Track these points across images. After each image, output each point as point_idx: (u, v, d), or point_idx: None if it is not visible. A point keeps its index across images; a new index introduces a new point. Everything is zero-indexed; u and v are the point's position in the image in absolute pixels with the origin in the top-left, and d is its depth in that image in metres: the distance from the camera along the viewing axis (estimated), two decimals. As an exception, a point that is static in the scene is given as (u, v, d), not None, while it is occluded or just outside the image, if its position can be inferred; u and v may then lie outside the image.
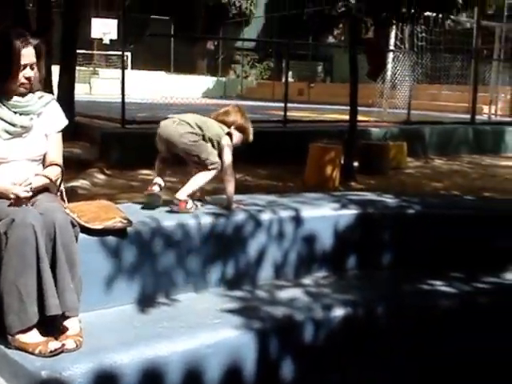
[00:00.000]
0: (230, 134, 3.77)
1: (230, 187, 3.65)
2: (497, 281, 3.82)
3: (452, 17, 7.82)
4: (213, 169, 3.62)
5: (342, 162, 7.99)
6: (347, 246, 3.82)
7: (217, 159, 3.65)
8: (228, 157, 3.68)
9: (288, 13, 23.45)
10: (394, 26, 11.03)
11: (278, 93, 19.66)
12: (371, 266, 3.88)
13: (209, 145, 3.67)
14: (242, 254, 3.47)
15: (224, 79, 29.47)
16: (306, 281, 3.61)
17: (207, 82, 28.39)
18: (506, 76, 17.64)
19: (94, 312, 2.88)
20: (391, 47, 13.23)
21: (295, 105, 14.80)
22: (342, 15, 7.06)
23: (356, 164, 8.63)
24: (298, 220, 3.62)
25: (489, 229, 3.97)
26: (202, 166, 3.64)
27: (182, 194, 3.57)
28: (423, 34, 13.78)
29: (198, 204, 3.67)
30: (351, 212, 3.82)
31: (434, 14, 8.01)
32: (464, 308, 3.55)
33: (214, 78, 28.95)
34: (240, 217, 3.48)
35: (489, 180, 9.17)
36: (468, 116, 13.38)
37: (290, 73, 28.49)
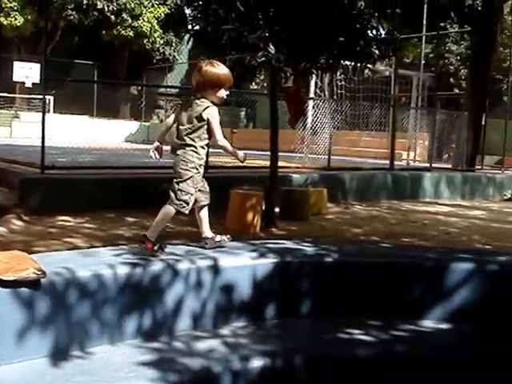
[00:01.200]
0: (212, 103, 3.81)
1: (230, 148, 3.90)
2: (413, 328, 3.86)
3: (369, 66, 8.02)
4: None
5: (264, 208, 8.04)
6: (266, 295, 3.79)
7: (185, 198, 3.71)
8: (217, 132, 3.78)
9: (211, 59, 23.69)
10: (314, 75, 11.26)
11: (202, 138, 19.75)
12: (291, 314, 3.87)
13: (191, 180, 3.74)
14: (159, 305, 3.40)
15: (147, 124, 29.46)
16: (225, 331, 3.56)
17: (130, 126, 28.35)
18: (424, 123, 18.30)
19: (5, 366, 2.79)
20: (311, 95, 13.57)
21: (218, 150, 14.91)
22: (261, 64, 7.16)
23: (277, 210, 8.69)
24: (216, 269, 3.58)
25: (404, 276, 4.02)
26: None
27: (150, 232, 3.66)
28: (342, 83, 14.23)
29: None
30: (269, 260, 3.81)
31: (353, 63, 8.23)
32: (381, 356, 3.57)
33: (138, 123, 28.94)
34: (157, 267, 3.42)
35: (408, 225, 9.40)
36: (387, 162, 13.75)
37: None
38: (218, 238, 3.94)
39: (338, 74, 8.71)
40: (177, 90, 31.66)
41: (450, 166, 16.46)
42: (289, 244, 4.33)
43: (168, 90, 31.98)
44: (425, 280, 4.05)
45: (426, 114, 18.35)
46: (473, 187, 14.56)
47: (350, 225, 8.94)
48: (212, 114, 3.79)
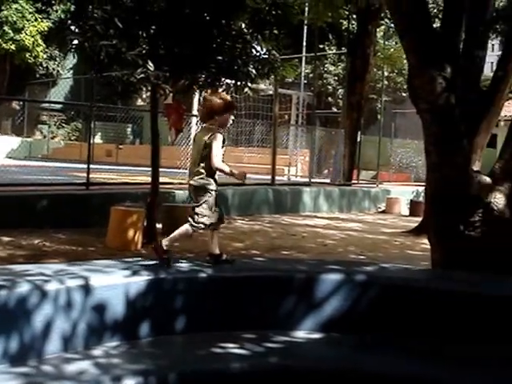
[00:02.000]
0: (214, 131, 4.08)
1: (227, 169, 4.09)
2: (286, 339, 3.95)
3: (249, 85, 8.18)
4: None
5: (145, 224, 7.98)
6: (140, 313, 3.77)
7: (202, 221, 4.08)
8: (213, 156, 4.02)
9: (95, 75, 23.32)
10: (197, 92, 11.32)
11: (85, 154, 19.33)
12: (166, 332, 3.86)
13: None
14: (27, 327, 3.29)
15: (30, 140, 28.50)
16: (97, 352, 3.50)
17: (11, 142, 27.31)
18: (304, 139, 18.82)
19: None
20: (194, 112, 13.64)
21: (103, 166, 14.66)
22: (141, 81, 7.14)
23: (160, 226, 8.65)
24: (86, 289, 3.52)
25: (277, 289, 4.12)
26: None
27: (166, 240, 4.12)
28: (224, 100, 14.39)
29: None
30: (143, 278, 3.79)
31: (233, 82, 8.36)
32: (255, 369, 3.62)
33: (19, 139, 27.89)
34: (24, 288, 3.32)
35: (288, 238, 9.63)
36: (269, 177, 14.02)
37: (99, 134, 28.23)
38: (224, 256, 4.32)
39: (220, 91, 8.76)
40: (60, 105, 30.85)
41: (328, 181, 17.01)
42: (164, 261, 4.33)
43: (51, 105, 31.08)
44: (297, 292, 4.17)
45: (306, 132, 18.88)
46: (350, 200, 15.11)
47: (231, 239, 9.03)
48: (214, 138, 4.08)
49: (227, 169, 4.15)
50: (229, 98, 4.33)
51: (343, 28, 21.66)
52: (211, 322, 3.96)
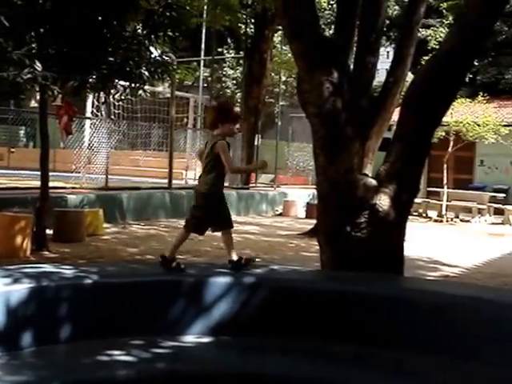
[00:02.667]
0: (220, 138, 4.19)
1: (243, 168, 3.95)
2: (175, 344, 3.91)
3: (144, 87, 8.07)
4: None
5: (35, 230, 7.72)
6: (21, 322, 3.62)
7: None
8: (227, 164, 4.19)
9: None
10: (91, 94, 11.08)
11: (-28, 158, 18.56)
12: (49, 341, 3.72)
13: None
14: None
15: None
16: (-28, 365, 3.34)
17: None
18: (202, 143, 18.77)
19: None
20: (88, 114, 13.36)
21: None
22: (28, 82, 6.89)
23: (51, 232, 8.39)
24: (-38, 299, 3.35)
25: (165, 293, 4.08)
26: None
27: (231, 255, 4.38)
28: (120, 103, 14.17)
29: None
30: (24, 286, 3.65)
31: (128, 84, 8.23)
32: (142, 375, 3.56)
33: None
34: None
35: (186, 243, 9.56)
36: (166, 181, 13.90)
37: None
38: (244, 261, 4.37)
39: (114, 93, 8.62)
40: None
41: (226, 184, 17.05)
42: (48, 268, 4.18)
43: None
44: (185, 296, 4.13)
45: (204, 135, 18.85)
46: (247, 204, 15.21)
47: (126, 245, 8.89)
48: (220, 147, 4.18)
49: (243, 167, 4.42)
50: (233, 107, 4.47)
51: (241, 32, 21.83)
52: (97, 330, 3.86)
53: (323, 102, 4.90)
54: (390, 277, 4.67)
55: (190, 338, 4.05)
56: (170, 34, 8.38)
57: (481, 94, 19.73)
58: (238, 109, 4.48)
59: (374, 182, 4.90)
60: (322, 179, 4.98)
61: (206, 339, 4.06)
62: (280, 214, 15.98)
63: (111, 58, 7.38)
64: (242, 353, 3.91)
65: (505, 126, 18.99)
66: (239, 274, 4.30)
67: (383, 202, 4.76)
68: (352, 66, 7.48)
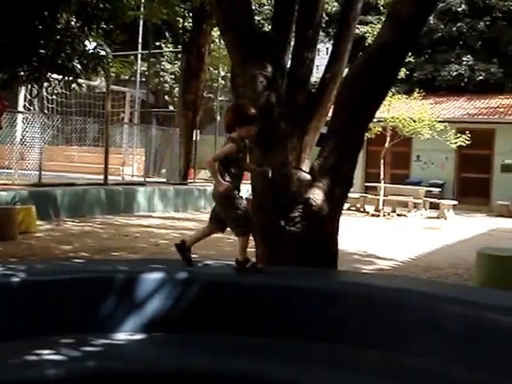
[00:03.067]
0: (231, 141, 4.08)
1: (213, 173, 4.02)
2: (107, 342, 3.83)
3: (79, 80, 7.89)
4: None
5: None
6: None
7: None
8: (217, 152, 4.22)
9: None
10: (24, 87, 10.79)
11: None
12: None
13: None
14: None
15: None
16: None
17: None
18: (139, 138, 18.58)
19: None
20: (20, 108, 13.00)
21: None
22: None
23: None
24: None
25: (97, 291, 3.99)
26: None
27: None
28: (54, 96, 13.85)
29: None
30: None
31: (61, 77, 8.02)
32: (72, 374, 3.48)
33: None
34: None
35: (119, 239, 9.44)
36: (102, 177, 13.68)
37: None
38: (248, 264, 4.24)
39: (47, 87, 8.40)
40: None
41: (163, 180, 16.91)
42: (-28, 266, 4.04)
43: None
44: (117, 293, 4.05)
45: (141, 130, 18.66)
46: (185, 200, 15.11)
47: (60, 242, 8.71)
48: (226, 145, 4.10)
49: (215, 171, 4.06)
50: (251, 109, 4.25)
51: (179, 26, 21.65)
52: (26, 329, 3.75)
53: (257, 95, 4.89)
54: (322, 271, 4.69)
55: (122, 336, 3.97)
56: (105, 26, 8.23)
57: (417, 90, 20.11)
58: (254, 110, 4.28)
59: (307, 176, 4.92)
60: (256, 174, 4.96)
61: (138, 336, 3.99)
62: (218, 210, 15.92)
63: (42, 51, 7.18)
64: (175, 350, 3.86)
65: (440, 121, 19.38)
66: (172, 270, 4.24)
67: (317, 196, 4.78)
68: (290, 62, 7.53)
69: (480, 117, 23.94)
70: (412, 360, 3.64)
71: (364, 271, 8.28)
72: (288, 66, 5.93)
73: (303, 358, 3.68)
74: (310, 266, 4.65)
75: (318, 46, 25.46)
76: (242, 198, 4.24)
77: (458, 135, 19.76)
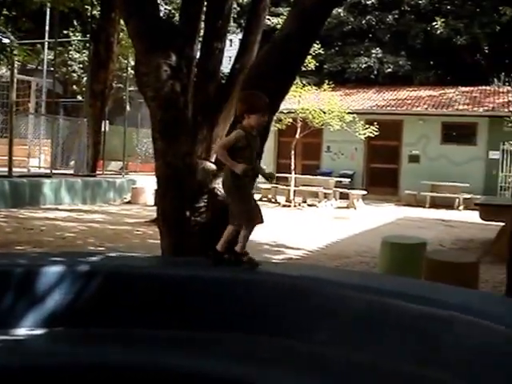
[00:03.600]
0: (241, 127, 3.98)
1: (225, 160, 3.96)
2: (5, 338, 3.70)
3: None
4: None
5: None
6: None
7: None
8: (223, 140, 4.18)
9: None
10: None
11: None
12: None
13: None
14: None
15: None
16: None
17: None
18: (45, 129, 18.04)
19: None
20: None
21: None
22: None
23: None
24: None
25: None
26: None
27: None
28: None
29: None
30: None
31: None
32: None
33: None
34: None
35: (24, 233, 9.14)
36: (6, 169, 13.22)
37: None
38: (245, 257, 4.13)
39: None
40: None
41: (71, 172, 16.52)
42: None
43: None
44: (15, 287, 3.92)
45: (48, 121, 18.12)
46: (94, 192, 14.82)
47: (-42, 237, 8.35)
48: (233, 133, 4.03)
49: (226, 159, 3.95)
50: (260, 98, 4.09)
51: (87, 14, 21.12)
52: None
53: (161, 84, 4.82)
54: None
55: (22, 331, 3.85)
56: (8, 13, 7.93)
57: (327, 82, 20.42)
58: (265, 99, 4.12)
59: (212, 166, 4.90)
60: (160, 164, 4.90)
61: (39, 331, 3.88)
62: (129, 202, 15.71)
63: None
64: (76, 344, 3.77)
65: (349, 113, 19.78)
66: (73, 263, 4.13)
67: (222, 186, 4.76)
68: (199, 52, 7.47)
69: (388, 108, 24.59)
70: (318, 347, 3.69)
71: (273, 261, 8.35)
72: (197, 56, 5.90)
73: (203, 348, 3.67)
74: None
75: (231, 37, 25.39)
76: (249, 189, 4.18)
77: (367, 126, 20.24)
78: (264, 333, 3.84)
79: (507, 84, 27.91)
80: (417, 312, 3.48)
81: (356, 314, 3.73)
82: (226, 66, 8.16)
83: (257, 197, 18.93)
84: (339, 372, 3.51)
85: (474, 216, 11.83)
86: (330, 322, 3.80)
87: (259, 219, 4.18)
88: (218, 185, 4.75)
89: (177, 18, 20.70)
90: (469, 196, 20.64)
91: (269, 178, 4.42)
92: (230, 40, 25.54)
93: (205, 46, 7.92)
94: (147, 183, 16.84)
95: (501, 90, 26.19)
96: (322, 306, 3.86)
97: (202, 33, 6.31)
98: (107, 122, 18.19)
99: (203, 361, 3.48)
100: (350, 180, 22.39)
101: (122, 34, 17.81)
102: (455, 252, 8.74)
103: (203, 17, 6.47)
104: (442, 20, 27.83)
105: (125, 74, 21.24)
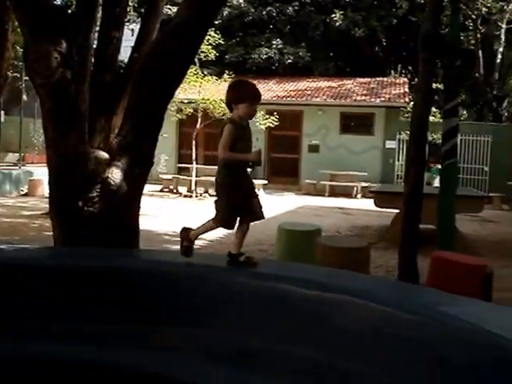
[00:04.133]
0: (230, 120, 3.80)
1: (235, 156, 3.82)
2: None
3: None
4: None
5: None
6: None
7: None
8: (219, 146, 3.80)
9: None
10: None
11: None
12: None
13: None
14: None
15: None
16: None
17: None
18: None
19: None
20: None
21: None
22: None
23: None
24: None
25: None
26: None
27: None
28: None
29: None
30: None
31: None
32: None
33: None
34: None
35: None
36: None
37: None
38: (243, 258, 3.98)
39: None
40: None
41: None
42: None
43: None
44: None
45: None
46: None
47: None
48: (225, 130, 3.79)
49: (235, 155, 3.78)
50: (248, 85, 3.87)
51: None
52: None
53: (51, 72, 4.69)
54: (124, 250, 4.64)
55: None
56: None
57: (228, 72, 20.44)
58: (253, 87, 3.86)
59: (105, 155, 4.83)
60: (51, 152, 4.79)
61: None
62: (25, 194, 15.24)
63: None
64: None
65: (249, 103, 19.87)
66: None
67: (115, 175, 4.71)
68: (96, 41, 7.33)
69: (289, 99, 24.94)
70: (212, 334, 3.72)
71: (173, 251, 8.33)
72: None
73: (100, 340, 3.65)
74: (109, 246, 4.60)
75: (131, 27, 24.91)
76: (241, 187, 3.92)
77: (268, 117, 20.46)
78: (158, 321, 3.84)
79: (403, 75, 28.90)
80: (311, 296, 3.57)
81: (250, 300, 3.79)
82: (126, 56, 8.05)
83: (157, 188, 18.78)
84: (232, 358, 3.56)
85: (371, 204, 12.21)
86: (225, 309, 3.84)
87: (254, 216, 3.97)
88: (111, 174, 4.70)
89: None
90: (366, 184, 21.28)
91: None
92: (132, 30, 25.08)
93: (102, 34, 7.79)
94: (45, 175, 16.40)
95: (397, 81, 27.07)
96: (217, 293, 3.90)
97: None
98: (3, 112, 17.55)
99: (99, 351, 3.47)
100: (251, 170, 22.52)
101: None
102: (348, 238, 9.01)
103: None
104: (341, 12, 28.46)
105: (21, 63, 20.51)
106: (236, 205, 3.86)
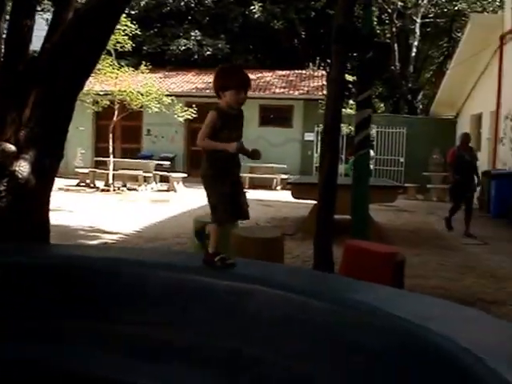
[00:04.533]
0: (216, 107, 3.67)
1: (213, 144, 3.66)
2: None
3: None
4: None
5: None
6: None
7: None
8: (199, 134, 3.67)
9: None
10: None
11: None
12: None
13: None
14: None
15: None
16: None
17: None
18: None
19: None
20: None
21: None
22: None
23: None
24: None
25: None
26: None
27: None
28: None
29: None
30: None
31: None
32: None
33: None
34: None
35: None
36: None
37: None
38: (217, 258, 3.73)
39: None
40: None
41: None
42: None
43: None
44: None
45: None
46: None
47: None
48: (207, 117, 3.67)
49: (213, 144, 3.59)
50: (234, 72, 3.75)
51: None
52: None
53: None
54: (35, 245, 4.53)
55: None
56: None
57: (145, 63, 20.08)
58: (241, 73, 3.71)
59: (13, 147, 4.67)
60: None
61: None
62: None
63: None
64: None
65: (167, 95, 19.70)
66: None
67: (23, 168, 4.57)
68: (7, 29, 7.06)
69: (208, 91, 24.81)
70: (124, 328, 3.68)
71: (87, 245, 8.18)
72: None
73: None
74: (18, 240, 4.46)
75: (45, 16, 24.09)
76: (227, 179, 3.72)
77: (186, 109, 20.32)
78: (73, 316, 3.77)
79: (322, 68, 29.28)
80: (223, 287, 3.58)
81: (163, 291, 3.77)
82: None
83: (74, 182, 18.26)
84: (143, 349, 3.54)
85: (290, 196, 12.33)
86: (139, 301, 3.81)
87: (237, 217, 3.90)
88: (19, 167, 4.55)
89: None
90: (286, 176, 21.47)
91: (254, 156, 3.91)
92: (47, 19, 24.38)
93: (12, 22, 7.51)
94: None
95: (315, 74, 27.41)
96: (130, 286, 3.85)
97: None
98: None
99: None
100: (170, 163, 22.40)
101: None
102: (263, 229, 9.07)
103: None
104: (260, 4, 28.55)
105: None
106: (225, 192, 3.70)
